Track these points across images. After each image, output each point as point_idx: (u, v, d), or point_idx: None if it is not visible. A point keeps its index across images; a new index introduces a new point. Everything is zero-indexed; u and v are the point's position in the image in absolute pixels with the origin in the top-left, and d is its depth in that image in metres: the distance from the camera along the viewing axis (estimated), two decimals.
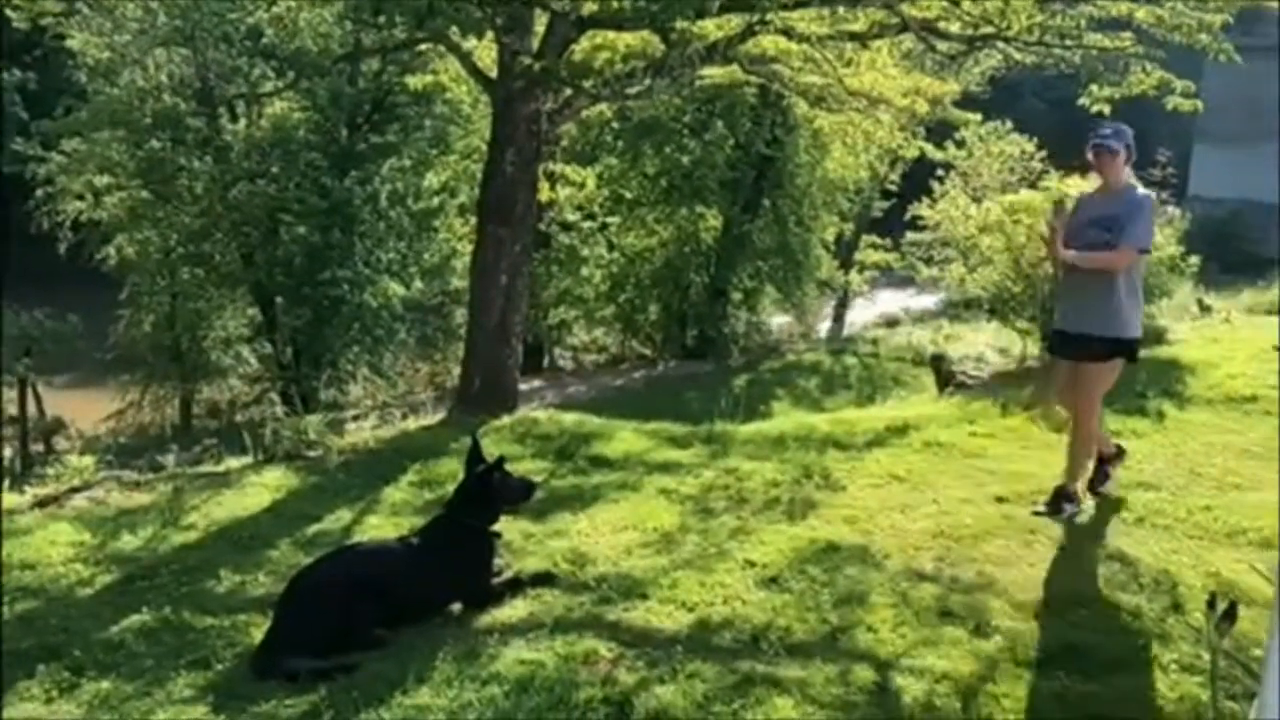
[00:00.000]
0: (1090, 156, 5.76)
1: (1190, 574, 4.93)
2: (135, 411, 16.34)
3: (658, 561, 5.33)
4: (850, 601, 4.83)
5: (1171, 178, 17.28)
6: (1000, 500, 6.00)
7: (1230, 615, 2.87)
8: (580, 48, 8.70)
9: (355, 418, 11.18)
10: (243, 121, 15.44)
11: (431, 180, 16.38)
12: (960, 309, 16.68)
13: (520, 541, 5.51)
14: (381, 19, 8.82)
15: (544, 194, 10.30)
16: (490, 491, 5.08)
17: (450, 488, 6.24)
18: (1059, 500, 5.79)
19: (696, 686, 4.17)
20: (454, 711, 4.03)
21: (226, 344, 16.53)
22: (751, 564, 5.20)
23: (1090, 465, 5.94)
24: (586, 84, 8.45)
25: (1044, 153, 18.76)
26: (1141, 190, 5.77)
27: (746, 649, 4.46)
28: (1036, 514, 5.78)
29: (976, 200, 18.33)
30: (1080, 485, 5.88)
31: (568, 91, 8.67)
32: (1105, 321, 5.63)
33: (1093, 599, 4.75)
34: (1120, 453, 6.14)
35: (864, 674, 4.25)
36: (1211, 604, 2.93)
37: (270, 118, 15.29)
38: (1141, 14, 7.79)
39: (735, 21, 8.44)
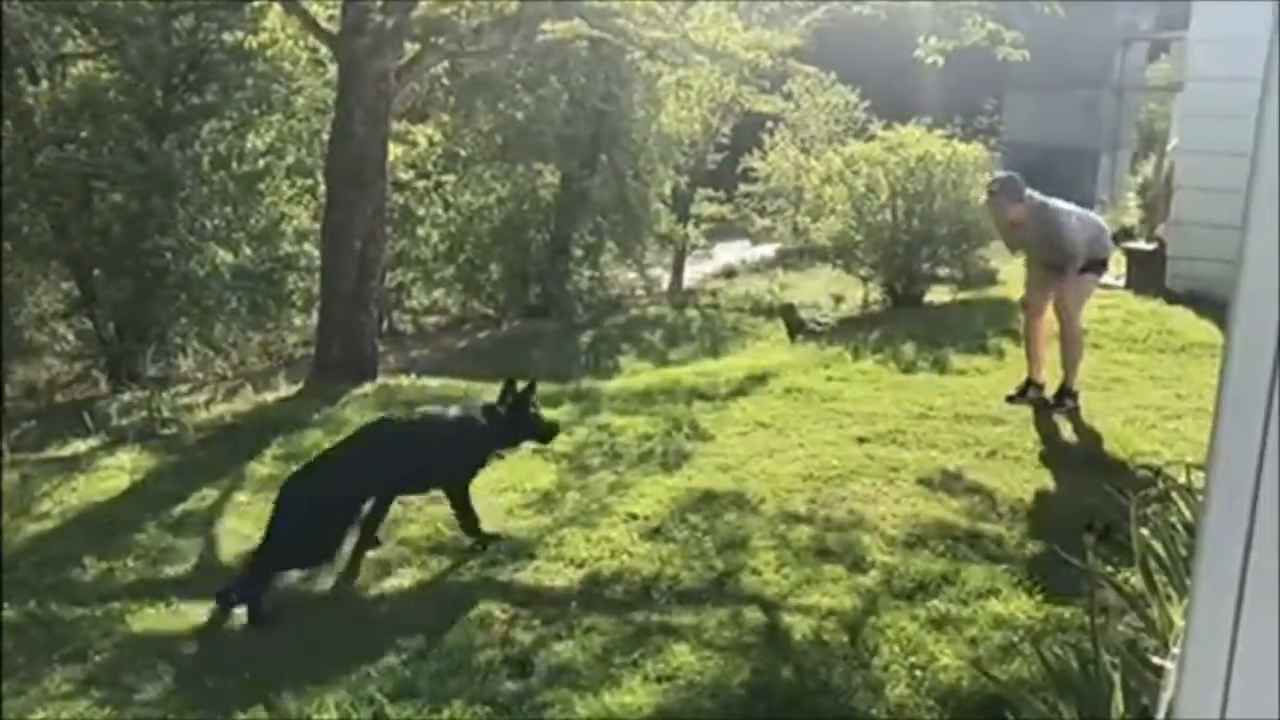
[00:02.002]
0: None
1: (1044, 501, 5.28)
2: None
3: (541, 520, 5.37)
4: (732, 546, 4.98)
5: (998, 124, 18.09)
6: (861, 440, 6.24)
7: (1105, 537, 3.12)
8: (426, 3, 8.47)
9: (189, 391, 10.76)
10: (45, 83, 14.40)
11: (255, 142, 15.69)
12: (795, 258, 17.12)
13: (399, 510, 5.43)
14: None
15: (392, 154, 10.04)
16: (525, 412, 5.24)
17: None
18: (1063, 396, 6.53)
19: (594, 640, 4.25)
20: (354, 684, 3.99)
21: (41, 321, 15.52)
22: (634, 516, 5.30)
23: (1081, 365, 6.64)
24: (440, 40, 8.22)
25: (867, 103, 19.34)
26: (1045, 209, 6.40)
27: (639, 600, 4.57)
28: (1050, 407, 6.47)
29: (805, 151, 18.82)
30: (1075, 382, 6.57)
31: (414, 48, 8.43)
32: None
33: (958, 530, 5.03)
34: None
35: (753, 615, 4.41)
36: (1090, 528, 3.15)
37: (76, 79, 14.32)
38: None
39: None
